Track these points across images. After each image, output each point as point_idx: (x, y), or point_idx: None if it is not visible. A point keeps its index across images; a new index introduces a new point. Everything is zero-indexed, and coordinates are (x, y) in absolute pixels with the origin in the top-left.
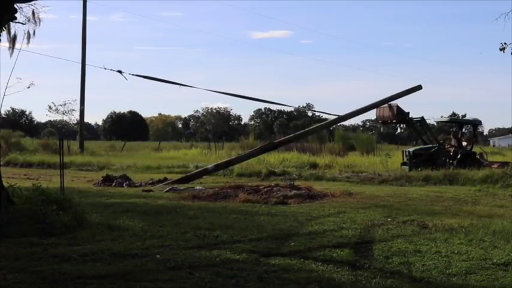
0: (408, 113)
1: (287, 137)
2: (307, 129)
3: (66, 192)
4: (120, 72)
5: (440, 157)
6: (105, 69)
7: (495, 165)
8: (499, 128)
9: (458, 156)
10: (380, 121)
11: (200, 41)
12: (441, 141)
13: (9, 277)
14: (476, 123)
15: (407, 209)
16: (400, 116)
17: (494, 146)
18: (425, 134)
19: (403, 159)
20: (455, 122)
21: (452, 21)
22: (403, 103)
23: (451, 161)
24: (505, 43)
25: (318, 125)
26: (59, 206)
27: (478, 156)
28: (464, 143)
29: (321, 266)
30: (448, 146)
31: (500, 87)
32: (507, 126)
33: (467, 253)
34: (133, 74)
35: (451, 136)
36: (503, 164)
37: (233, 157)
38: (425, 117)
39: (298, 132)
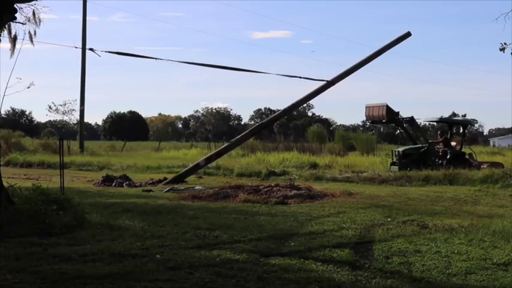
0: (398, 112)
1: (276, 114)
2: (295, 101)
3: (66, 192)
4: (91, 50)
5: (430, 157)
6: (76, 48)
7: (484, 166)
8: (499, 128)
9: (448, 156)
10: (369, 120)
11: (200, 41)
12: (430, 141)
13: (9, 277)
14: (465, 123)
15: (407, 209)
16: (390, 115)
17: (494, 146)
18: (416, 134)
19: (392, 159)
20: (445, 122)
21: (452, 21)
22: (403, 105)
23: (440, 161)
24: (505, 43)
25: (307, 94)
26: (59, 206)
27: (467, 157)
28: (453, 143)
29: (321, 266)
30: (437, 146)
31: (500, 87)
32: (507, 126)
33: (467, 253)
34: (104, 51)
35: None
36: (493, 165)
37: (222, 147)
38: (415, 117)
39: (287, 106)
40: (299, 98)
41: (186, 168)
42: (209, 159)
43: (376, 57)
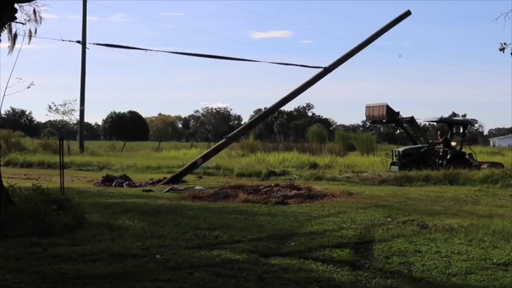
0: (398, 112)
1: (273, 105)
2: (292, 91)
3: (66, 192)
4: (79, 42)
5: (430, 157)
6: (63, 40)
7: (484, 166)
8: (499, 128)
9: (448, 157)
10: (369, 120)
11: (200, 41)
12: (430, 141)
13: (9, 277)
14: (465, 123)
15: (407, 209)
16: (390, 115)
17: (494, 146)
18: (416, 134)
19: (392, 159)
20: (445, 122)
21: (452, 21)
22: (403, 105)
23: (440, 161)
24: (504, 43)
25: (304, 83)
26: (59, 206)
27: (467, 157)
28: (453, 143)
29: (321, 266)
30: (438, 147)
31: (500, 87)
32: (507, 126)
33: (467, 253)
34: (95, 43)
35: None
36: (493, 165)
37: (219, 143)
38: (415, 117)
39: (284, 97)
40: (295, 88)
41: (183, 167)
42: (206, 157)
43: (375, 40)
